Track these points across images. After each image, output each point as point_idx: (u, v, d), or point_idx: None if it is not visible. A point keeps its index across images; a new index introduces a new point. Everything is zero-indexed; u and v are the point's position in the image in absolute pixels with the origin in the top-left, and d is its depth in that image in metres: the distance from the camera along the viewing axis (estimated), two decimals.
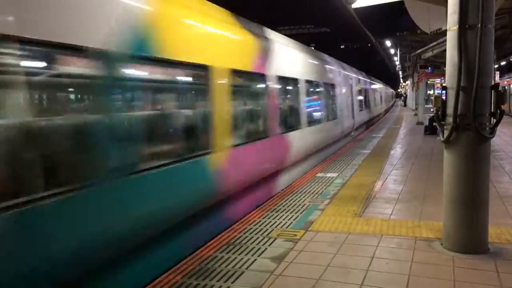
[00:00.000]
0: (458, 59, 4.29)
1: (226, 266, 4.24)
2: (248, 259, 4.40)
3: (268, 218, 5.78)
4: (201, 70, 5.48)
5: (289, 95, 9.36)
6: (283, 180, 8.37)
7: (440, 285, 3.76)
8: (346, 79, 15.49)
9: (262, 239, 4.98)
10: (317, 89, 11.49)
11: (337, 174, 8.78)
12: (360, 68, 23.35)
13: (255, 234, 5.15)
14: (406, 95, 52.76)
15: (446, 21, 4.57)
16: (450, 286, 3.73)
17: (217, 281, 3.92)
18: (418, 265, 4.17)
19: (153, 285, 3.89)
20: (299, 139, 9.12)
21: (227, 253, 4.59)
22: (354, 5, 10.60)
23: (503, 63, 35.59)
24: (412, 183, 7.87)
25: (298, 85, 9.56)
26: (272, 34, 8.68)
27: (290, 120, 8.99)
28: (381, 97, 31.89)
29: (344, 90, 14.75)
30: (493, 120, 4.41)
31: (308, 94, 10.31)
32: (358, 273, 4.01)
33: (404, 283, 3.79)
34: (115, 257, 4.04)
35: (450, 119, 4.42)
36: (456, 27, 4.32)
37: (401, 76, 59.71)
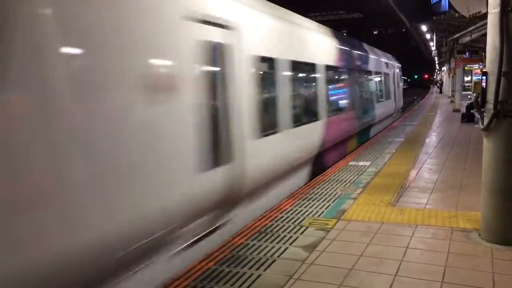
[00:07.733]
0: (500, 43, 4.12)
1: (257, 254, 4.26)
2: (280, 247, 4.40)
3: (300, 207, 5.76)
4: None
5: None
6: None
7: (478, 277, 3.65)
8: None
9: (294, 228, 4.97)
10: None
11: (370, 162, 8.64)
12: (394, 54, 22.60)
13: (287, 223, 5.15)
14: (442, 82, 51.21)
15: (485, 3, 4.40)
16: (489, 278, 3.62)
17: (249, 268, 3.95)
18: (455, 256, 4.06)
19: (186, 271, 3.95)
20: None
21: (259, 241, 4.61)
22: None
23: None
24: (448, 172, 7.66)
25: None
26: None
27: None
28: (381, 87, 15.98)
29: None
30: None
31: None
32: (392, 263, 3.95)
33: (440, 274, 3.71)
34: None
35: (490, 106, 4.26)
36: (497, 10, 4.14)
37: (437, 62, 58.00)
